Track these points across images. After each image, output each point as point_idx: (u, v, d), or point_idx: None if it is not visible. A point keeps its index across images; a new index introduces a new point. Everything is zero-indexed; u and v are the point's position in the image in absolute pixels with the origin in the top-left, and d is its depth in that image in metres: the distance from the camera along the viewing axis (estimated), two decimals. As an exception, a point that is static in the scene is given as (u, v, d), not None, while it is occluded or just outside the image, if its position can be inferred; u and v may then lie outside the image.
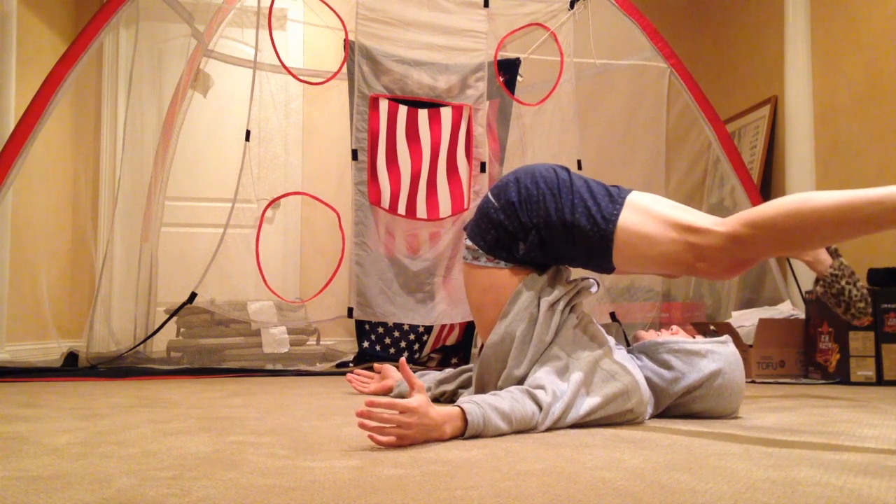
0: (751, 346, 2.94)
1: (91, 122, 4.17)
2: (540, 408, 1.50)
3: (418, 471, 1.10)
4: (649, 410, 1.70)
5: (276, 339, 3.36)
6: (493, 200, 1.73)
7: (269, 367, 3.27)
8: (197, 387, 2.57)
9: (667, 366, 1.72)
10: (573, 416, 1.54)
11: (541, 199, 1.66)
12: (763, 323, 2.97)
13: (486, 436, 1.42)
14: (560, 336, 1.66)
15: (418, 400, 1.33)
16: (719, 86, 4.38)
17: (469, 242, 1.77)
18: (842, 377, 2.78)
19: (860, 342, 2.78)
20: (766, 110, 4.00)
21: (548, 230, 1.65)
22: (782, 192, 3.75)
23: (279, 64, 3.49)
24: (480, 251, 1.73)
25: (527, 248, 1.68)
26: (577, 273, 1.86)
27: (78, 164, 4.08)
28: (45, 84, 2.92)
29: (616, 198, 1.64)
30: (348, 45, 3.50)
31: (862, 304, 1.96)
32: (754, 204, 3.48)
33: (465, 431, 1.39)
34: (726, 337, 1.79)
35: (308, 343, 3.53)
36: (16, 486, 1.00)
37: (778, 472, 1.10)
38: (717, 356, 1.72)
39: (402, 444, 1.31)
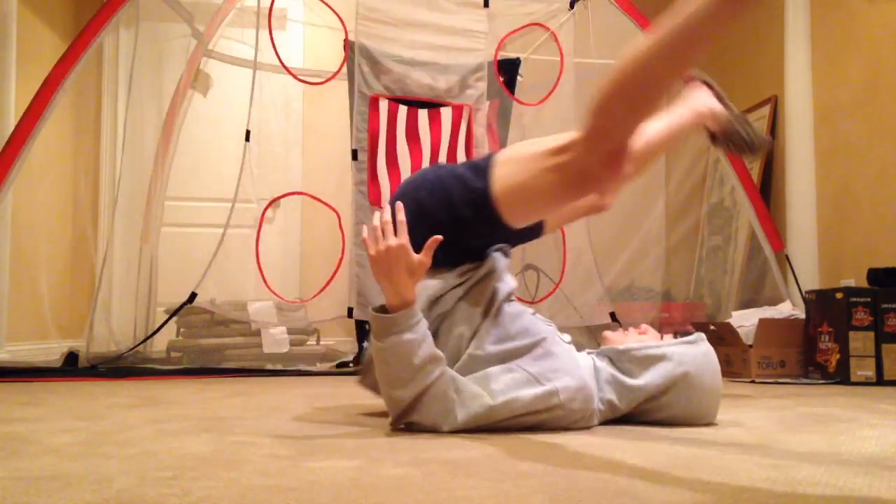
0: (751, 346, 2.94)
1: (91, 122, 4.16)
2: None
3: (418, 471, 1.10)
4: (598, 409, 1.57)
5: (275, 339, 3.36)
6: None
7: (269, 367, 3.27)
8: (197, 387, 2.57)
9: (629, 372, 1.61)
10: (489, 419, 1.47)
11: (427, 209, 1.59)
12: (763, 323, 2.97)
13: (385, 346, 1.45)
14: (478, 340, 1.56)
15: (402, 242, 1.46)
16: (719, 86, 4.37)
17: None
18: (842, 377, 2.78)
19: (860, 342, 2.77)
20: (766, 110, 4.00)
21: (448, 231, 1.55)
22: (782, 192, 3.75)
23: (279, 64, 3.48)
24: None
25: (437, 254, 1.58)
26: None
27: (78, 164, 4.08)
28: (45, 84, 2.91)
29: (481, 166, 1.59)
30: (348, 45, 3.50)
31: (764, 141, 1.88)
32: (754, 204, 3.48)
33: (391, 313, 1.46)
34: (696, 336, 1.65)
35: (308, 343, 3.53)
36: (16, 486, 1.00)
37: (778, 472, 1.10)
38: (684, 359, 1.59)
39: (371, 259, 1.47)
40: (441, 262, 1.60)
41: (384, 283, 1.48)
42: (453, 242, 1.56)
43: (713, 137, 1.92)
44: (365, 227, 1.51)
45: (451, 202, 1.59)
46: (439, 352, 1.48)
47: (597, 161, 1.43)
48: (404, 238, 1.47)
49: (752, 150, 1.87)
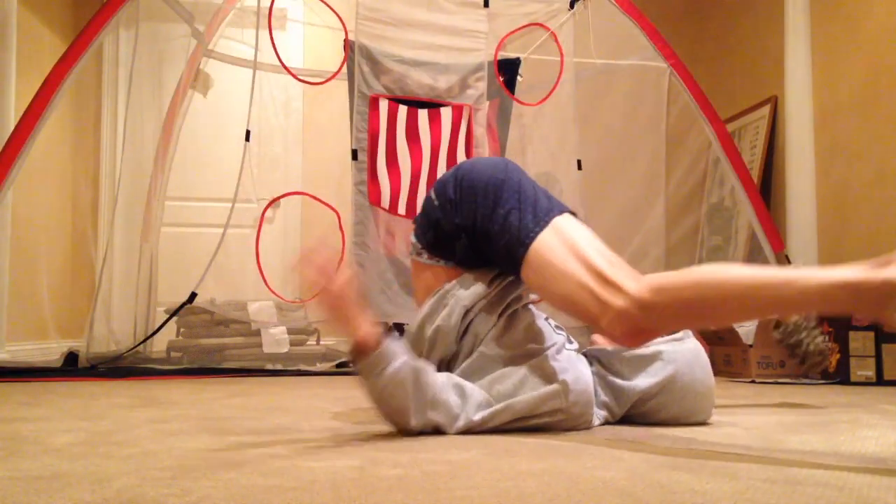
0: (751, 345, 2.94)
1: (91, 122, 4.17)
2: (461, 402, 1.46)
3: (418, 471, 1.10)
4: (598, 414, 1.58)
5: (275, 339, 3.36)
6: (433, 197, 1.63)
7: (269, 367, 3.27)
8: (197, 387, 2.57)
9: (620, 374, 1.61)
10: (493, 422, 1.47)
11: (472, 201, 1.55)
12: (763, 323, 2.96)
13: (382, 383, 1.37)
14: (489, 340, 1.55)
15: (345, 279, 1.35)
16: (719, 86, 4.37)
17: (413, 239, 1.67)
18: (842, 377, 2.78)
19: (860, 342, 2.77)
20: (766, 110, 4.00)
21: (473, 234, 1.55)
22: (782, 192, 3.75)
23: (279, 64, 3.48)
24: (423, 248, 1.65)
25: (461, 249, 1.59)
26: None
27: (78, 164, 4.08)
28: (45, 84, 2.91)
29: (542, 215, 1.50)
30: (348, 45, 3.49)
31: (819, 358, 1.91)
32: (754, 204, 3.49)
33: (368, 356, 1.36)
34: (683, 333, 1.64)
35: (308, 343, 3.53)
36: (16, 486, 1.00)
37: (778, 472, 1.10)
38: (674, 356, 1.59)
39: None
40: (466, 262, 1.60)
41: (345, 325, 1.38)
42: (475, 247, 1.56)
43: (777, 324, 1.94)
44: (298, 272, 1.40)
45: (494, 217, 1.53)
46: (420, 360, 1.46)
47: (626, 325, 1.40)
48: (345, 274, 1.37)
49: (800, 360, 1.93)
